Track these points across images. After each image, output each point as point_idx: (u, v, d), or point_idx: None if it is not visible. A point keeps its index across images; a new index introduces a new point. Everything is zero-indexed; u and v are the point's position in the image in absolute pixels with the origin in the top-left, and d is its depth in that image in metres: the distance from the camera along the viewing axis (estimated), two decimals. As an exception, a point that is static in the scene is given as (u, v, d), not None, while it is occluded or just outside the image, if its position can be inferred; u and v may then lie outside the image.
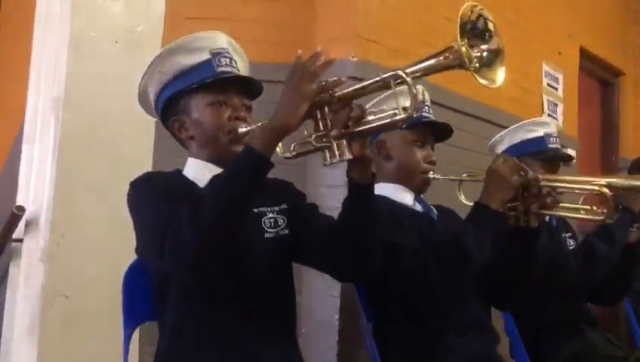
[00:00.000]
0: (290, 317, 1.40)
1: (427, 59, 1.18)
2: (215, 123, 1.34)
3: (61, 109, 2.36)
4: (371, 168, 1.27)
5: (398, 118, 1.15)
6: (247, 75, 1.43)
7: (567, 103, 4.17)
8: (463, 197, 1.76)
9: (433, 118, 1.75)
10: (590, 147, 4.76)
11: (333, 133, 1.16)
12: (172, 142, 2.53)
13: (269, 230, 1.36)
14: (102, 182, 2.44)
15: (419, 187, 1.70)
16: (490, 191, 1.54)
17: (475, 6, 1.16)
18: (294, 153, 1.25)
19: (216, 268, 1.22)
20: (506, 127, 2.51)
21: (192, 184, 1.34)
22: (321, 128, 1.18)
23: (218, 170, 1.34)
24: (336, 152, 1.17)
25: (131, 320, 1.41)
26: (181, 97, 1.37)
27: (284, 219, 1.39)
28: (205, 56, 1.36)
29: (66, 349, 2.26)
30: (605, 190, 1.50)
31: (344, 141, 1.17)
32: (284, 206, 1.41)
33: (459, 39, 1.11)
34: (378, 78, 1.16)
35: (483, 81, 1.15)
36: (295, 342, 1.40)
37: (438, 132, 1.75)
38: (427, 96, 1.75)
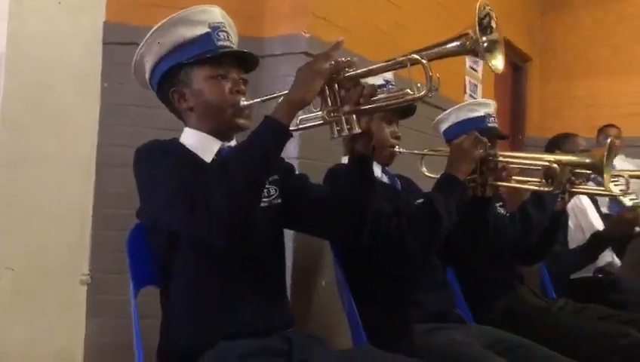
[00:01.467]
0: (284, 278, 1.51)
1: (443, 43, 1.29)
2: (218, 96, 1.40)
3: (3, 66, 2.28)
4: (372, 141, 1.39)
5: (409, 97, 1.28)
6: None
7: (485, 85, 4.50)
8: (425, 169, 1.94)
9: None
10: (501, 126, 5.15)
11: (346, 108, 1.28)
12: (120, 108, 2.53)
13: (263, 200, 1.43)
14: (47, 148, 2.39)
15: (386, 160, 1.86)
16: (456, 162, 1.72)
17: (487, 5, 1.29)
18: (298, 127, 1.34)
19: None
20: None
21: (194, 154, 1.40)
22: (330, 104, 1.29)
23: (219, 143, 1.43)
24: (345, 126, 1.29)
25: (138, 282, 1.45)
26: (181, 69, 1.42)
27: (275, 189, 1.48)
28: (204, 29, 1.42)
29: (15, 322, 2.22)
30: (554, 165, 1.73)
31: (353, 116, 1.29)
32: (275, 176, 1.50)
33: (477, 29, 1.24)
34: (394, 61, 1.28)
35: (491, 65, 1.27)
36: (287, 299, 1.52)
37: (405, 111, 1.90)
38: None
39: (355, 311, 1.63)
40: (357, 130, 1.29)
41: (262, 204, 1.43)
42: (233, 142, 1.48)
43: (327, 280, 2.56)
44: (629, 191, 2.29)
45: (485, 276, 2.19)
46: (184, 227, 1.27)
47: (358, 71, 1.29)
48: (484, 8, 1.26)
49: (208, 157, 1.41)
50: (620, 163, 4.25)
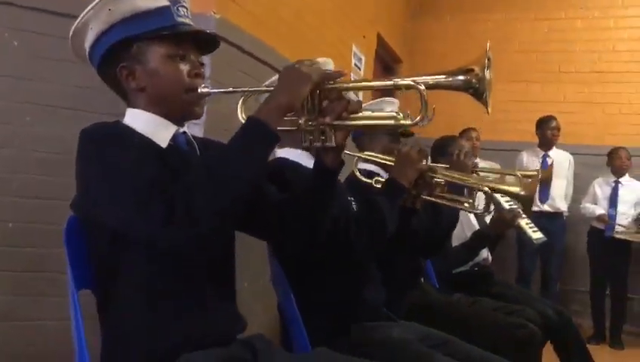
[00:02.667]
0: (233, 276, 1.41)
1: (447, 74, 1.24)
2: (175, 78, 1.26)
3: None
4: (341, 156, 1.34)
5: (397, 123, 1.23)
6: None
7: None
8: (358, 173, 1.95)
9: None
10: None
11: (327, 120, 1.22)
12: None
13: None
14: None
15: None
16: (402, 170, 1.74)
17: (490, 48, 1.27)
18: None
19: None
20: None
21: (152, 142, 1.24)
22: (308, 113, 1.23)
23: (174, 128, 1.29)
24: (320, 137, 1.24)
25: (78, 282, 1.24)
26: (133, 43, 1.25)
27: None
28: (163, 1, 1.26)
29: None
30: (487, 189, 1.81)
31: (330, 128, 1.23)
32: None
33: (487, 70, 1.22)
34: (390, 82, 1.23)
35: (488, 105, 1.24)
36: (234, 299, 1.42)
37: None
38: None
39: (295, 311, 1.58)
40: (332, 143, 1.25)
41: None
42: (185, 129, 1.34)
43: (249, 282, 2.47)
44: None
45: (395, 270, 2.26)
46: (152, 230, 1.08)
47: (350, 84, 1.24)
48: (488, 52, 1.25)
49: (163, 142, 1.26)
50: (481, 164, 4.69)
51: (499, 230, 2.93)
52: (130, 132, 1.24)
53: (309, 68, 1.19)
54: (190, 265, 1.21)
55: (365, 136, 2.37)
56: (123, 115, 1.31)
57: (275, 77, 1.39)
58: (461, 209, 2.00)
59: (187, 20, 1.30)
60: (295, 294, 1.61)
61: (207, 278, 1.26)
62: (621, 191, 4.65)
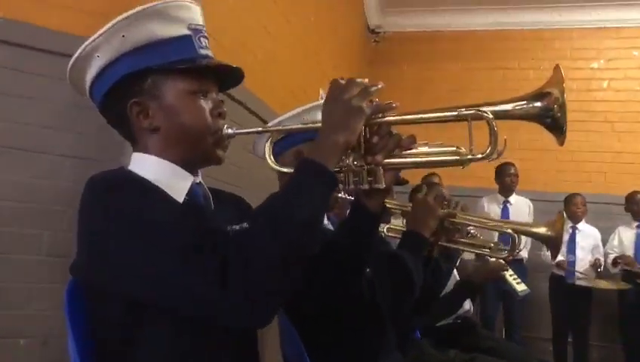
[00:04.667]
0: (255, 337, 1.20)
1: (521, 100, 1.09)
2: (198, 118, 1.08)
3: None
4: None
5: (462, 158, 1.07)
6: None
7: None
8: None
9: None
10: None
11: (378, 158, 1.08)
12: None
13: None
14: None
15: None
16: (421, 219, 1.59)
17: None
18: None
19: None
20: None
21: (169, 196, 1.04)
22: (355, 151, 1.08)
23: (191, 179, 1.10)
24: (366, 178, 1.09)
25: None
26: (148, 75, 1.06)
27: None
28: (183, 30, 1.09)
29: None
30: (510, 231, 1.70)
31: (380, 168, 1.09)
32: (245, 225, 1.20)
33: (565, 96, 1.05)
34: (455, 112, 1.08)
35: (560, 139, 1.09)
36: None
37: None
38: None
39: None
40: (381, 185, 1.10)
41: None
42: (199, 179, 1.15)
43: None
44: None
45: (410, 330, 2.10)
46: (201, 304, 0.88)
47: (405, 117, 1.09)
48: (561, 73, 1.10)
49: (179, 195, 1.06)
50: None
51: (482, 280, 2.84)
52: (145, 182, 1.02)
53: (361, 98, 1.02)
54: (217, 335, 1.00)
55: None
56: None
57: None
58: (482, 253, 1.88)
59: (209, 52, 1.13)
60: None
61: (226, 347, 1.05)
62: (578, 238, 4.71)
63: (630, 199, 4.74)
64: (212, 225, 0.97)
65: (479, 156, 1.06)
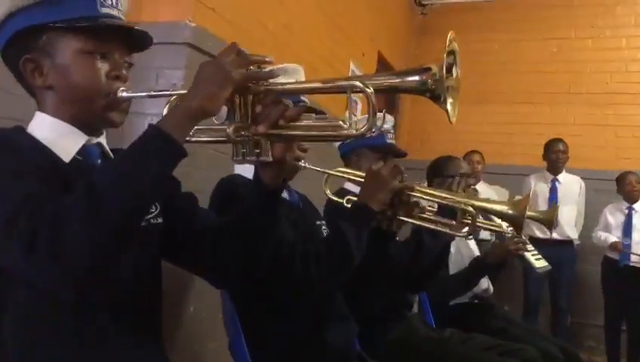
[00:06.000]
0: (157, 314, 1.19)
1: (399, 74, 1.07)
2: (90, 79, 1.07)
3: None
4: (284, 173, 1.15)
5: (343, 132, 1.03)
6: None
7: (363, 103, 4.46)
8: (329, 191, 1.72)
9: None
10: (374, 145, 5.19)
11: (260, 129, 1.02)
12: None
13: None
14: None
15: (288, 174, 1.61)
16: (371, 191, 1.53)
17: (454, 40, 1.10)
18: (190, 139, 1.04)
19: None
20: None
21: (52, 155, 1.04)
22: (240, 119, 1.03)
23: (84, 138, 1.09)
24: (254, 150, 1.04)
25: None
26: (44, 31, 1.06)
27: (156, 206, 1.17)
28: None
29: None
30: (471, 208, 1.60)
31: (266, 140, 1.04)
32: None
33: (444, 68, 1.03)
34: (334, 84, 1.04)
35: (449, 112, 1.07)
36: (160, 340, 1.20)
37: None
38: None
39: (245, 354, 1.36)
40: (268, 158, 1.05)
41: None
42: (102, 139, 1.14)
43: (196, 306, 2.25)
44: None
45: (374, 303, 2.02)
46: (14, 257, 0.88)
47: (286, 87, 1.04)
48: (452, 43, 1.07)
49: (67, 155, 1.06)
50: (484, 189, 4.44)
51: (499, 258, 2.69)
52: (28, 141, 1.04)
53: (234, 63, 0.97)
54: (86, 300, 0.99)
55: (352, 155, 2.16)
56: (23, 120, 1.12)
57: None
58: (443, 231, 1.77)
59: (115, 12, 1.10)
60: (247, 334, 1.38)
61: (114, 316, 1.04)
62: (635, 219, 4.37)
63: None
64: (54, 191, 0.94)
65: (354, 132, 1.02)
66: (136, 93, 1.10)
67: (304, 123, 1.05)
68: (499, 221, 2.17)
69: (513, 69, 5.22)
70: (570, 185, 4.52)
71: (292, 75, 1.69)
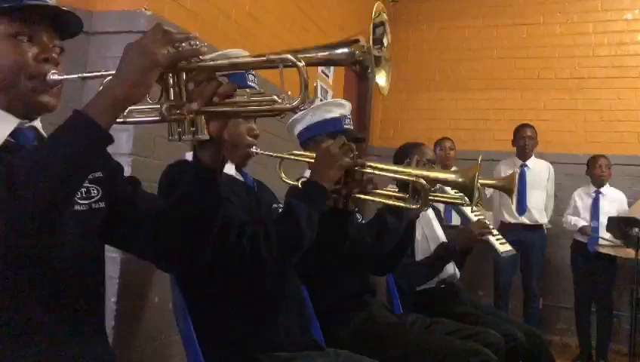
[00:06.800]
0: (99, 303, 1.18)
1: (328, 47, 1.07)
2: (15, 62, 1.06)
3: None
4: (223, 151, 1.13)
5: (277, 106, 1.02)
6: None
7: (335, 91, 4.44)
8: (283, 174, 1.72)
9: None
10: (346, 134, 5.17)
11: (194, 106, 1.01)
12: None
13: (81, 201, 1.12)
14: None
15: (241, 160, 1.61)
16: (322, 169, 1.53)
17: (383, 12, 1.11)
18: (126, 120, 1.04)
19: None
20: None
21: None
22: (173, 98, 1.01)
23: (14, 122, 1.08)
24: (189, 128, 1.03)
25: None
26: None
27: (98, 190, 1.16)
28: None
29: None
30: (422, 181, 1.61)
31: (202, 118, 1.03)
32: (98, 174, 1.17)
33: (371, 37, 1.06)
34: (265, 58, 1.02)
35: (378, 83, 1.09)
36: (102, 331, 1.19)
37: None
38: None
39: (193, 338, 1.34)
40: (204, 135, 1.04)
41: (79, 207, 1.12)
42: (37, 123, 1.13)
43: (161, 296, 2.24)
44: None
45: (337, 290, 2.02)
46: None
47: (218, 62, 1.02)
48: (380, 15, 1.08)
49: None
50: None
51: (465, 243, 2.71)
52: None
53: (159, 43, 0.95)
54: (17, 286, 0.98)
55: (310, 142, 2.15)
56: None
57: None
58: (398, 205, 1.79)
59: None
60: (194, 318, 1.37)
61: (50, 302, 1.03)
62: (602, 202, 4.42)
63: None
64: None
65: (288, 106, 1.02)
66: (67, 76, 1.09)
67: (239, 99, 1.05)
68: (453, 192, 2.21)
69: (485, 55, 5.24)
70: (538, 170, 4.55)
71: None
